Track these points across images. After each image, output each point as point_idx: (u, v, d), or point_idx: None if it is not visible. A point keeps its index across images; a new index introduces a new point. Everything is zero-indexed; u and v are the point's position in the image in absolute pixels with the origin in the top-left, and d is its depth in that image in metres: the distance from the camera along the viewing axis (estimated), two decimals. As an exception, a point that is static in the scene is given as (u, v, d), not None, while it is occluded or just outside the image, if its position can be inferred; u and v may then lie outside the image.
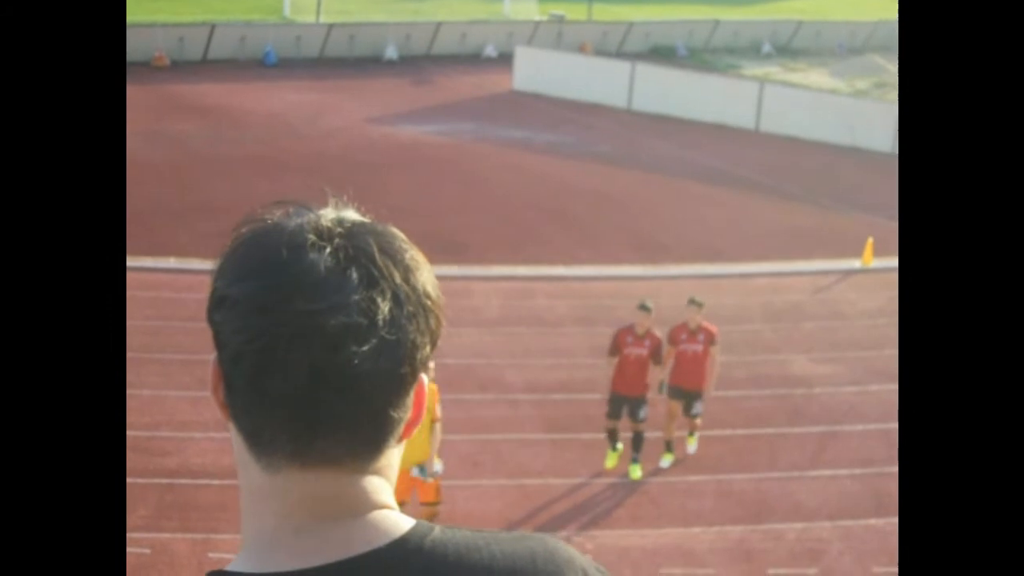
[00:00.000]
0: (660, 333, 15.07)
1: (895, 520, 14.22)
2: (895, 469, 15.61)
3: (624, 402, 14.74)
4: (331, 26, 47.64)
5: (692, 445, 15.56)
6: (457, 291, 22.69)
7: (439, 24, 49.18)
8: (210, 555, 12.60)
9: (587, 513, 14.18)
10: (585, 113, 41.03)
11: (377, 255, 1.63)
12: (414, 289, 1.65)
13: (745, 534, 13.86)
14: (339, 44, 47.18)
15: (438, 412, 12.84)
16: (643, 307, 14.90)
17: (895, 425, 16.79)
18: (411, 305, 1.63)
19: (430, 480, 12.71)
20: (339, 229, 1.64)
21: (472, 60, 48.68)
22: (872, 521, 14.07)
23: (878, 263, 25.21)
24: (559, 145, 36.39)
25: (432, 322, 1.67)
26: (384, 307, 1.58)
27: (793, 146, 37.92)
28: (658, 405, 15.25)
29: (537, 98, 42.73)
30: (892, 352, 19.89)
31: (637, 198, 30.79)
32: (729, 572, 12.96)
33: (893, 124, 38.01)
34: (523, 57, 44.71)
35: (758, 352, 20.16)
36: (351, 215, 1.72)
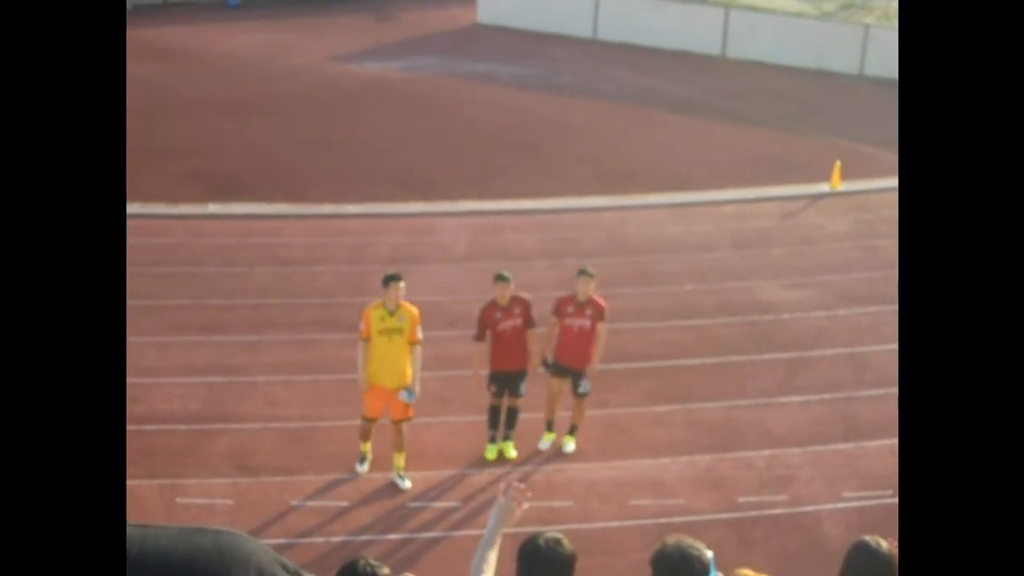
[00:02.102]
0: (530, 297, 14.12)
1: (864, 444, 14.27)
2: (864, 393, 15.67)
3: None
4: (292, -36, 47.02)
5: (570, 444, 14.19)
6: (424, 228, 22.59)
7: (401, -42, 48.57)
8: (177, 500, 12.53)
9: (556, 446, 14.14)
10: (550, 44, 40.72)
11: None
12: None
13: (714, 463, 13.86)
14: (301, -18, 46.63)
15: (419, 335, 13.08)
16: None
17: (863, 349, 16.83)
18: None
19: (411, 402, 13.05)
20: None
21: (435, -6, 48.24)
22: (841, 446, 14.08)
23: (846, 186, 25.17)
24: (524, 77, 36.12)
25: None
26: None
27: (759, 71, 37.76)
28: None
29: (501, 30, 42.38)
30: (860, 275, 19.87)
31: (603, 129, 30.62)
32: (699, 501, 12.96)
33: (859, 46, 37.82)
34: (486, -11, 44.33)
35: (727, 279, 20.12)
36: None
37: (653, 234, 22.58)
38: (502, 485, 6.30)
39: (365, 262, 20.31)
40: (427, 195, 24.39)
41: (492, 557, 5.98)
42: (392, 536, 12.21)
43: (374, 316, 12.91)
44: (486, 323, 13.74)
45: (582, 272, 13.90)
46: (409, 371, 13.07)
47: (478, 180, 25.67)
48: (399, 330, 12.91)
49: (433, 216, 23.37)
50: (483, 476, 13.44)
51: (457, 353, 16.03)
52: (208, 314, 17.77)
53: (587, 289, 13.76)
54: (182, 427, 14.22)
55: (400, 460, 13.31)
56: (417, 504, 12.83)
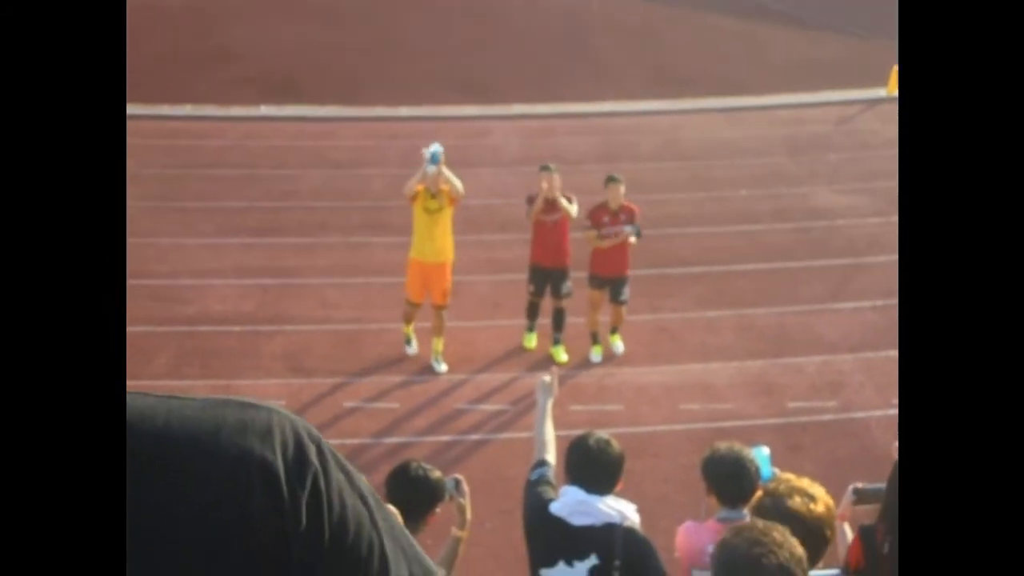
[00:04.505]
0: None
1: (917, 351, 14.14)
2: (918, 300, 15.50)
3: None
4: None
5: (618, 343, 14.13)
6: (477, 131, 22.50)
7: None
8: (232, 401, 12.65)
9: (607, 350, 14.15)
10: (605, -55, 40.20)
11: None
12: None
13: (765, 368, 13.84)
14: None
15: (459, 188, 13.30)
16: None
17: (918, 256, 16.69)
18: None
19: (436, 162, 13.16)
20: None
21: None
22: (893, 353, 13.99)
23: (904, 91, 24.79)
24: (579, -21, 35.73)
25: None
26: None
27: (818, -27, 37.15)
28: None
29: (556, -70, 41.85)
30: (916, 182, 19.65)
31: (658, 31, 30.28)
32: (749, 406, 12.97)
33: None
34: None
35: (780, 185, 19.96)
36: None
37: (708, 139, 22.41)
38: (552, 371, 6.61)
39: (416, 166, 20.26)
40: (480, 98, 24.28)
41: (550, 427, 6.32)
42: (443, 438, 12.32)
43: (420, 195, 13.35)
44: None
45: (611, 179, 13.67)
46: (450, 246, 13.52)
47: (532, 83, 25.50)
48: (440, 209, 13.33)
49: (486, 119, 23.29)
50: (533, 379, 13.48)
51: (509, 257, 16.04)
52: (261, 216, 17.86)
53: (618, 196, 13.55)
54: (236, 328, 14.36)
55: (439, 344, 13.72)
56: (467, 406, 12.93)
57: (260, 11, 31.03)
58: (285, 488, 1.52)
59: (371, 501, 1.63)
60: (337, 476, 1.60)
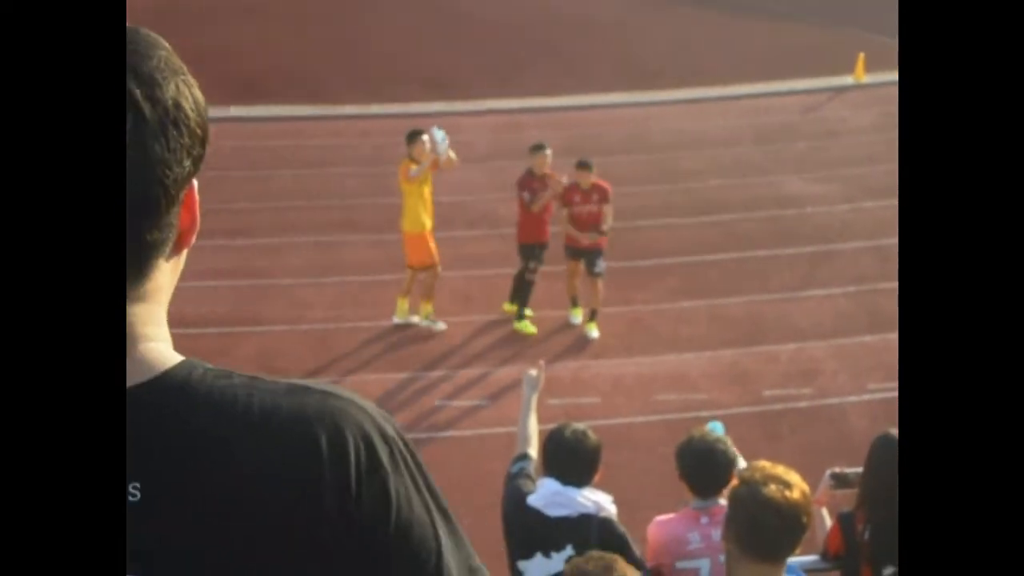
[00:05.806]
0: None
1: (890, 336, 14.23)
2: (889, 285, 15.62)
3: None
4: None
5: (593, 330, 14.34)
6: (445, 127, 22.44)
7: None
8: (207, 403, 12.63)
9: (581, 342, 14.20)
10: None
11: None
12: (158, 103, 1.54)
13: (739, 357, 13.89)
14: None
15: (455, 159, 14.21)
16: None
17: (888, 241, 16.76)
18: (155, 122, 1.52)
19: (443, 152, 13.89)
20: None
21: None
22: (866, 338, 14.09)
23: (870, 78, 24.92)
24: (543, -27, 35.75)
25: (186, 138, 1.57)
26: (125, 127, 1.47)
27: (782, -38, 37.26)
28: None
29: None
30: (885, 168, 19.72)
31: (622, 23, 30.33)
32: (724, 395, 13.01)
33: (883, -65, 37.20)
34: None
35: (749, 174, 20.03)
36: None
37: (675, 130, 22.47)
38: (539, 364, 6.65)
39: (387, 163, 20.24)
40: (446, 94, 24.27)
41: (533, 421, 6.36)
42: (419, 435, 12.31)
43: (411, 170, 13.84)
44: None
45: (581, 165, 14.14)
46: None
47: (499, 78, 25.53)
48: (427, 178, 13.96)
49: (454, 115, 23.25)
50: (511, 371, 13.50)
51: (480, 252, 16.08)
52: (233, 217, 17.81)
53: (587, 180, 14.05)
54: (210, 330, 14.32)
55: (429, 307, 14.32)
56: (443, 402, 12.94)
57: (226, 13, 30.95)
58: (353, 479, 1.55)
59: (435, 513, 1.63)
60: (406, 482, 1.62)
